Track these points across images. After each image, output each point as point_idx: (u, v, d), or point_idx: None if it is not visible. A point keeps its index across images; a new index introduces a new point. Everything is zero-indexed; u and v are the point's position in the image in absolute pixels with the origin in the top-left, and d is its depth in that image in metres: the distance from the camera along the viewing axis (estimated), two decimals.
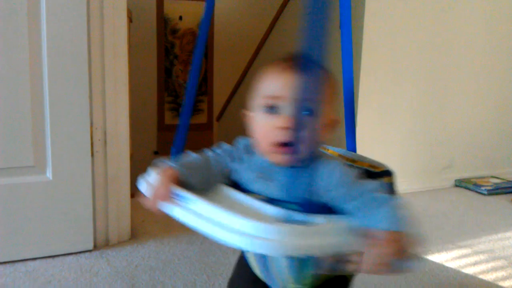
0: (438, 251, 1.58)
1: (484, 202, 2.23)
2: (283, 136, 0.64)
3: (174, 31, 3.36)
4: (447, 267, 1.45)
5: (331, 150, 0.87)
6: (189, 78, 0.86)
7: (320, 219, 0.59)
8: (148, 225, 1.69)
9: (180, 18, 3.39)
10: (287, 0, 2.80)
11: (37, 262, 1.37)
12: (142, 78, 3.19)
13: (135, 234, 1.60)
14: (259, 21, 3.33)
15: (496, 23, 2.50)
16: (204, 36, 0.84)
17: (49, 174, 1.38)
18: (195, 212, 0.62)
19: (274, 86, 0.67)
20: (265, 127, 0.68)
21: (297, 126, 0.62)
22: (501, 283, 1.36)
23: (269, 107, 0.67)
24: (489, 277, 1.40)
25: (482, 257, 1.55)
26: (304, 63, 0.63)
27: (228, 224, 0.58)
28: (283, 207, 0.60)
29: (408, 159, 2.36)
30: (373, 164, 0.82)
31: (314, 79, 0.64)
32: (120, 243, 1.53)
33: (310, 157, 0.66)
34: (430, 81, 2.36)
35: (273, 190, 0.67)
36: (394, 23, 2.19)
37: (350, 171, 0.68)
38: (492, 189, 2.35)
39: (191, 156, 0.75)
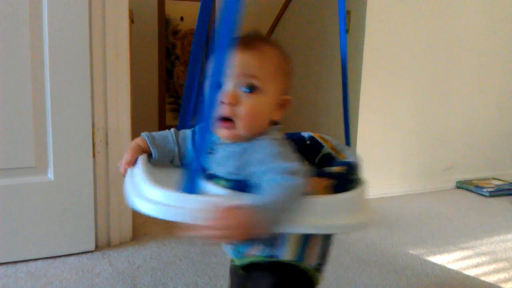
0: (440, 252, 1.58)
1: (486, 204, 2.22)
2: (221, 110, 0.66)
3: (176, 32, 3.35)
4: (449, 269, 1.45)
5: (329, 142, 0.86)
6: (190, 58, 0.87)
7: (221, 193, 0.61)
8: (150, 226, 1.69)
9: (182, 19, 3.38)
10: (289, 0, 2.79)
11: (39, 262, 1.37)
12: (143, 79, 3.18)
13: (137, 235, 1.60)
14: (260, 21, 3.33)
15: (498, 23, 2.49)
16: (203, 29, 0.85)
17: (50, 174, 1.38)
18: (131, 178, 0.70)
19: None
20: None
21: (235, 101, 0.65)
22: (503, 285, 1.36)
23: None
24: (491, 279, 1.40)
25: (484, 258, 1.55)
26: (248, 41, 0.65)
27: (141, 190, 0.65)
28: (217, 182, 0.62)
29: (409, 160, 2.35)
30: (347, 156, 0.81)
31: (258, 56, 0.67)
32: (122, 244, 1.53)
33: (253, 135, 0.68)
34: (432, 82, 2.36)
35: (213, 166, 0.69)
36: (396, 23, 2.19)
37: (278, 151, 0.65)
38: (494, 191, 2.35)
39: (167, 132, 0.81)
